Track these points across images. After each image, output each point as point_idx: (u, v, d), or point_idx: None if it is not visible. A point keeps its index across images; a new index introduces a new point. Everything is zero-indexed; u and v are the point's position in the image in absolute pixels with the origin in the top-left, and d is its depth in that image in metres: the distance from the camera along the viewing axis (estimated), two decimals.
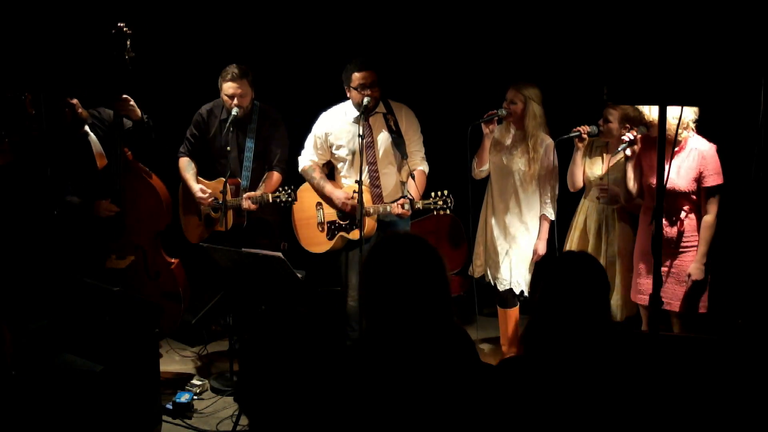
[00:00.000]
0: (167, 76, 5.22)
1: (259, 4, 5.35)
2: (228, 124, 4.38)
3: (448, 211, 4.20)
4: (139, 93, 4.49)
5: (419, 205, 4.22)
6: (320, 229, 4.54)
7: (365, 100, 4.21)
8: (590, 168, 4.26)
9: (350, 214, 4.39)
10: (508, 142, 4.41)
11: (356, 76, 4.24)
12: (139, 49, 4.30)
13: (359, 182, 4.14)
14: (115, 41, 4.24)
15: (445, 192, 4.18)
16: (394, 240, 2.28)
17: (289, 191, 4.31)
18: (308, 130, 4.58)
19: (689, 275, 3.82)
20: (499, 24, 5.08)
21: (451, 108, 5.05)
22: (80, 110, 4.40)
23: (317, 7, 5.32)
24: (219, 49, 5.10)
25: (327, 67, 5.19)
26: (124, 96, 4.33)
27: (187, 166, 4.68)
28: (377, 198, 4.43)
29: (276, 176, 4.58)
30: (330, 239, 4.51)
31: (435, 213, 4.23)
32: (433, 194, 4.20)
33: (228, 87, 4.42)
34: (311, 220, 4.58)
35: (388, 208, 4.30)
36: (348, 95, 4.37)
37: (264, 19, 5.38)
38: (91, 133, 4.49)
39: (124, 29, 4.24)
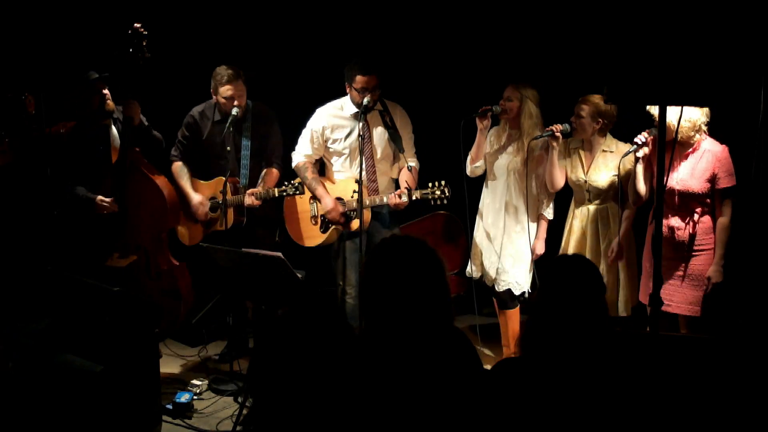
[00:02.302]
0: (170, 77, 5.22)
1: (253, 4, 5.36)
2: (228, 124, 4.38)
3: (445, 201, 4.19)
4: (151, 94, 4.50)
5: (416, 195, 4.23)
6: (313, 222, 4.59)
7: (365, 100, 4.27)
8: (573, 171, 4.24)
9: (344, 208, 4.45)
10: (505, 141, 4.41)
11: (359, 79, 4.29)
12: (151, 50, 4.33)
13: (359, 182, 4.17)
14: (131, 42, 4.26)
15: (442, 182, 4.18)
16: (394, 243, 2.28)
17: (296, 185, 4.35)
18: (301, 126, 4.62)
19: (709, 278, 3.82)
20: (496, 22, 5.07)
21: (446, 106, 5.04)
22: (109, 101, 4.42)
23: (310, 3, 5.33)
24: (211, 49, 5.11)
25: (321, 63, 5.24)
26: (133, 100, 4.35)
27: (180, 172, 4.68)
28: (373, 192, 4.48)
29: (275, 173, 4.63)
30: (323, 232, 4.56)
31: (432, 203, 4.23)
32: (430, 184, 4.21)
33: (226, 89, 4.43)
34: (304, 213, 4.63)
35: (385, 199, 4.34)
36: (347, 91, 4.42)
37: (257, 17, 5.39)
38: (113, 127, 4.50)
39: (141, 30, 4.26)
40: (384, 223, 4.52)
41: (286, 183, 4.39)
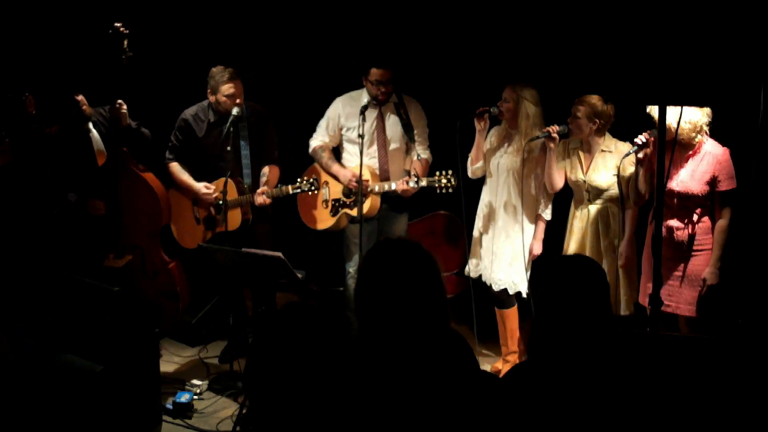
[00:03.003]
0: (164, 76, 5.22)
1: (249, 4, 5.37)
2: (228, 124, 4.38)
3: (450, 189, 4.28)
4: (136, 93, 4.49)
5: (424, 182, 4.34)
6: (324, 206, 4.71)
7: (365, 100, 4.42)
8: (572, 172, 4.25)
9: (354, 193, 4.59)
10: (504, 141, 4.42)
11: (374, 72, 4.43)
12: (137, 49, 4.32)
13: (359, 182, 4.25)
14: (112, 41, 4.26)
15: (449, 171, 4.27)
16: (388, 246, 2.28)
17: (311, 181, 4.40)
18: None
19: (704, 280, 3.83)
20: (498, 23, 5.07)
21: (448, 107, 5.04)
22: (85, 107, 4.41)
23: (307, 4, 5.34)
24: (200, 48, 5.13)
25: (314, 63, 5.26)
26: (119, 101, 4.35)
27: (180, 170, 4.68)
28: (385, 180, 4.59)
29: (276, 170, 4.67)
30: (333, 216, 4.67)
31: (438, 191, 4.30)
32: (437, 173, 4.30)
33: (228, 87, 4.42)
34: (317, 198, 4.74)
35: (393, 185, 4.45)
36: (363, 83, 4.55)
37: (248, 16, 5.40)
38: (93, 131, 4.50)
39: (121, 29, 4.26)
40: (395, 208, 4.65)
41: (299, 179, 4.43)
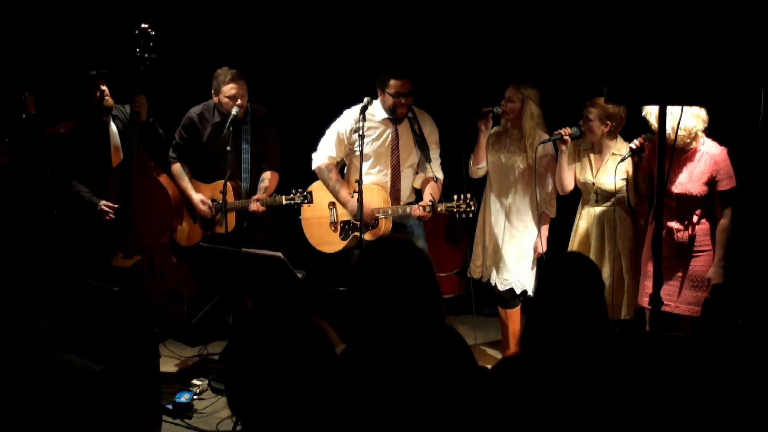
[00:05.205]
0: (173, 77, 5.22)
1: (256, 7, 5.37)
2: (228, 124, 4.37)
3: (470, 215, 4.18)
4: (156, 94, 4.50)
5: (441, 208, 4.21)
6: (333, 228, 4.53)
7: (365, 100, 4.28)
8: (582, 173, 4.24)
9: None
10: (507, 140, 4.41)
11: (393, 83, 4.26)
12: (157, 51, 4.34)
13: (359, 182, 4.16)
14: (138, 42, 4.27)
15: (468, 195, 4.16)
16: (381, 244, 2.29)
17: (305, 194, 4.30)
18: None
19: (709, 280, 3.83)
20: (498, 23, 5.07)
21: (448, 108, 5.05)
22: (108, 98, 4.40)
23: (312, 8, 5.34)
24: (214, 50, 5.12)
25: (323, 67, 5.22)
26: (141, 95, 4.35)
27: (181, 173, 4.66)
28: (395, 201, 4.46)
29: (276, 176, 4.61)
30: (344, 239, 4.50)
31: (457, 216, 4.22)
32: (455, 197, 4.19)
33: (230, 88, 4.41)
34: (323, 219, 4.58)
35: (408, 210, 4.31)
36: (378, 96, 4.36)
37: (260, 21, 5.40)
38: (113, 125, 4.49)
39: (148, 30, 4.27)
40: (410, 233, 4.49)
41: (294, 191, 4.35)
